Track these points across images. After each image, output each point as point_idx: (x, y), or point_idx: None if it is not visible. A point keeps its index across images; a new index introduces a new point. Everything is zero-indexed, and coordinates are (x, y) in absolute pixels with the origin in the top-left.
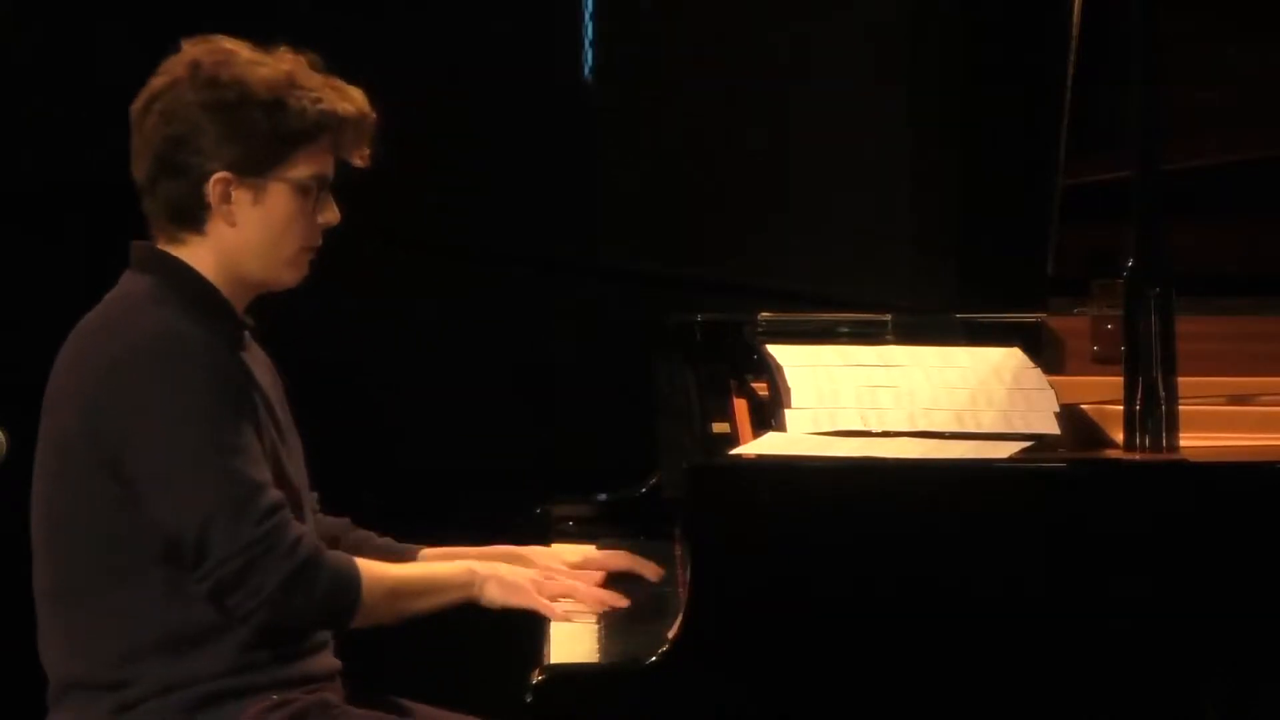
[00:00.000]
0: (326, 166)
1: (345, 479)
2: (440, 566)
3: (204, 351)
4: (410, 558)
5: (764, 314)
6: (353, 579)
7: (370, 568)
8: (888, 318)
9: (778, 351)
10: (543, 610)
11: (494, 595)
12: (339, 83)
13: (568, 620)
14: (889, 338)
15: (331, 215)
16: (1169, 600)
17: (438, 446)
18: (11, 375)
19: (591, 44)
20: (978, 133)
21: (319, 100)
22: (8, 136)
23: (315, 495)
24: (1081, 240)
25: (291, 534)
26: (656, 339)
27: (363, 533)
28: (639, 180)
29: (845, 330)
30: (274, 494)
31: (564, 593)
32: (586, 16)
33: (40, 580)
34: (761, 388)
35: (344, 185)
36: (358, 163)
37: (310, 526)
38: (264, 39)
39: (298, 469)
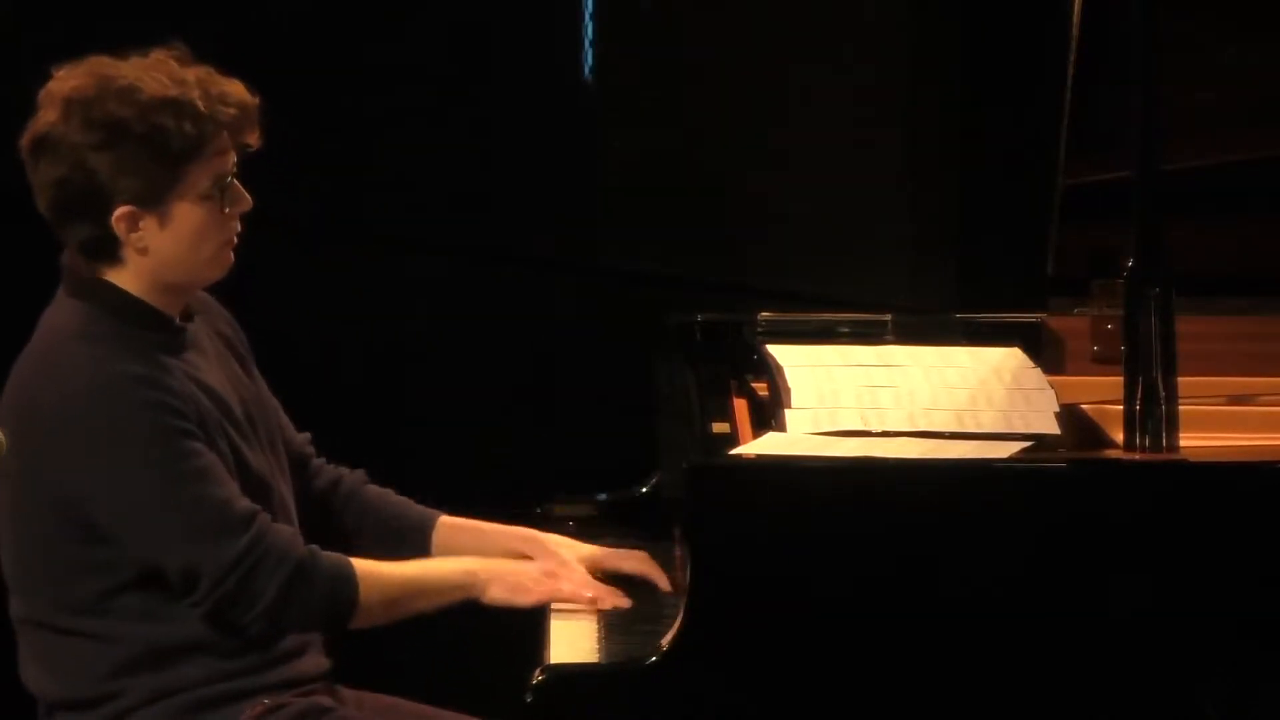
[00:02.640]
0: (224, 166)
1: None
2: (441, 565)
3: (139, 390)
4: (427, 524)
5: (764, 314)
6: (350, 581)
7: (368, 568)
8: (888, 318)
9: (778, 351)
10: (556, 598)
11: (498, 595)
12: (215, 79)
13: (591, 604)
14: (889, 338)
15: (242, 204)
16: (1169, 600)
17: (438, 446)
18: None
19: (591, 44)
20: (978, 133)
21: (197, 114)
22: (8, 132)
23: (308, 436)
24: (1081, 240)
25: (279, 539)
26: (656, 339)
27: (377, 489)
28: (639, 180)
29: (845, 330)
30: (244, 503)
31: (563, 596)
32: (586, 16)
33: (14, 607)
34: (761, 388)
35: (345, 185)
36: (252, 144)
37: (292, 517)
38: (261, 37)
39: (270, 449)
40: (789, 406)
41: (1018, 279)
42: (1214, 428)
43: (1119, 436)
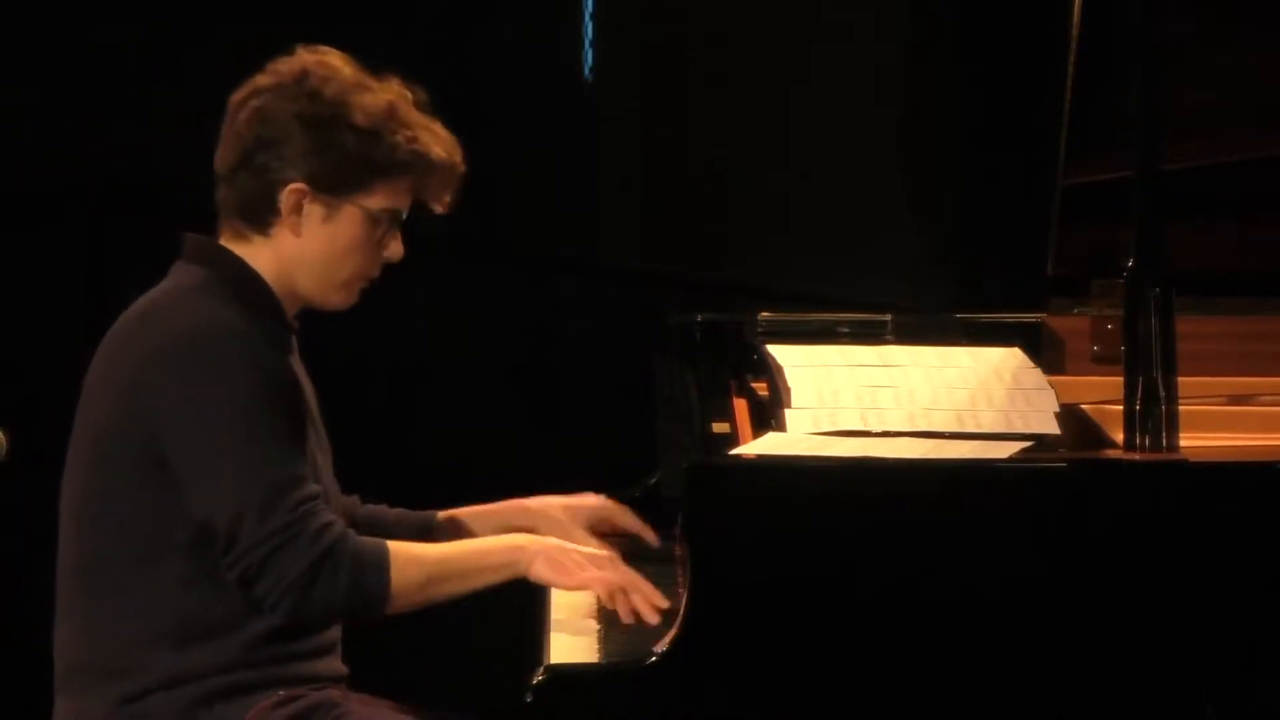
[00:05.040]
0: (403, 203)
1: (344, 478)
2: (486, 544)
3: (248, 341)
4: (428, 523)
5: (764, 314)
6: (381, 564)
7: (404, 550)
8: (888, 318)
9: (778, 351)
10: (594, 587)
11: (542, 573)
12: (437, 126)
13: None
14: (889, 338)
15: (396, 251)
16: (1169, 600)
17: (438, 446)
18: (12, 375)
19: (591, 44)
20: (978, 133)
21: (413, 139)
22: (8, 135)
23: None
24: (1081, 240)
25: (317, 522)
26: (656, 339)
27: (371, 508)
28: (639, 180)
29: (845, 330)
30: (312, 488)
31: (609, 587)
32: (586, 16)
33: (63, 562)
34: (761, 388)
35: None
36: (437, 210)
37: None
38: (265, 36)
39: (330, 474)
40: (789, 406)
41: (1018, 279)
42: (1214, 428)
43: (1119, 436)
